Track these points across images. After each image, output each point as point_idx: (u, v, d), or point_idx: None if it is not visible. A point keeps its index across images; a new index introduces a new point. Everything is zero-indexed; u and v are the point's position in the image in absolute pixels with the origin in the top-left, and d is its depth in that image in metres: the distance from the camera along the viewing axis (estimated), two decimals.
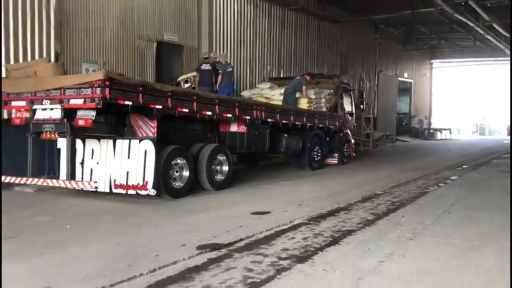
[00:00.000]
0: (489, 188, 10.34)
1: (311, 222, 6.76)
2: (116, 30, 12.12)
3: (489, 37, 23.93)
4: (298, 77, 14.23)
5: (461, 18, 19.45)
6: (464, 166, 14.62)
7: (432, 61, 36.07)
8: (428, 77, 35.99)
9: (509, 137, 34.05)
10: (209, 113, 9.49)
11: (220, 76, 12.65)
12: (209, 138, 10.40)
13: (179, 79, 12.94)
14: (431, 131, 33.26)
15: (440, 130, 33.49)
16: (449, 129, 34.19)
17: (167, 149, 8.54)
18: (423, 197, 9.04)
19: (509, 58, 30.60)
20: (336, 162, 14.45)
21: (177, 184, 8.76)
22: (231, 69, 13.01)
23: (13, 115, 8.70)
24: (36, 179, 8.36)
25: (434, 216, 7.26)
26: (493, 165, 15.29)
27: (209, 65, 12.83)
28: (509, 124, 34.53)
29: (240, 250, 5.35)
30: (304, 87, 13.72)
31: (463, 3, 17.78)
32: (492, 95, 41.17)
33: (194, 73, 12.92)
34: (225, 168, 9.82)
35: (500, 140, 30.55)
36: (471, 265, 4.90)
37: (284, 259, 5.01)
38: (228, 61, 13.62)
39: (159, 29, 13.32)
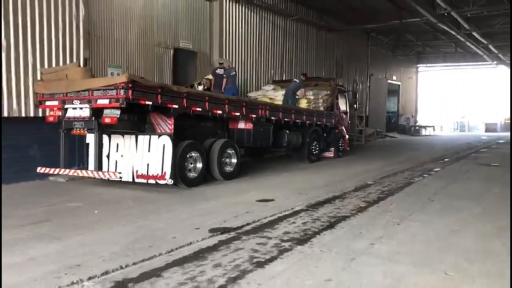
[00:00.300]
0: (468, 179, 10.30)
1: (310, 209, 6.77)
2: (137, 38, 12.12)
3: (469, 44, 23.77)
4: (297, 80, 14.16)
5: (444, 27, 19.34)
6: (446, 159, 14.56)
7: (418, 65, 35.84)
8: (414, 79, 35.78)
9: (486, 133, 33.89)
10: (219, 112, 9.50)
11: (225, 80, 12.62)
12: (219, 134, 10.41)
13: (196, 83, 12.92)
14: (417, 128, 33.10)
15: (424, 127, 33.32)
16: (433, 126, 34.02)
17: (182, 143, 8.56)
18: (409, 186, 9.03)
19: (488, 63, 30.47)
20: (332, 155, 14.43)
21: (191, 174, 8.78)
22: (234, 73, 12.93)
23: (47, 114, 8.73)
24: (67, 170, 8.42)
25: (419, 204, 7.25)
26: (472, 158, 15.21)
27: (222, 70, 12.81)
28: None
29: (247, 233, 5.38)
30: (303, 89, 13.70)
31: (446, 14, 17.65)
32: (471, 95, 40.99)
33: (211, 76, 12.92)
34: (234, 160, 9.83)
35: (478, 136, 30.37)
36: (452, 246, 4.91)
37: (286, 241, 5.03)
38: (232, 66, 13.53)
39: (176, 37, 13.31)
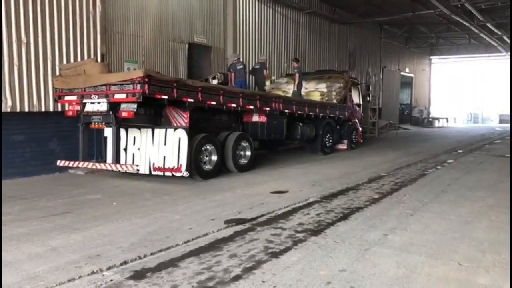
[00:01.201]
0: (482, 170, 10.17)
1: (324, 200, 6.76)
2: (153, 34, 12.15)
3: (483, 35, 23.36)
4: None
5: (457, 18, 19.02)
6: (459, 151, 14.39)
7: (431, 57, 35.38)
8: (427, 71, 35.35)
9: (500, 125, 33.37)
10: (233, 105, 9.51)
11: (233, 73, 12.58)
12: (234, 127, 10.43)
13: (210, 77, 12.87)
14: (430, 119, 32.73)
15: (438, 119, 32.94)
16: (446, 118, 33.61)
17: (198, 136, 8.60)
18: (422, 178, 8.95)
19: (502, 54, 29.92)
20: (345, 147, 14.36)
21: (206, 167, 8.82)
22: (241, 66, 12.84)
23: (66, 108, 8.82)
24: (86, 163, 8.51)
25: (432, 195, 7.19)
26: (485, 149, 15.02)
27: (241, 64, 12.79)
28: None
29: (261, 224, 5.39)
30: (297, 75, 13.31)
31: (459, 5, 17.36)
32: (485, 87, 40.36)
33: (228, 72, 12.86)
34: (248, 153, 9.84)
35: (492, 128, 29.95)
36: (465, 237, 4.86)
37: (300, 232, 5.03)
38: (240, 59, 13.30)
39: (190, 32, 13.31)
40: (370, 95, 19.42)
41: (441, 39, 29.97)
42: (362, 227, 5.25)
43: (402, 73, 29.75)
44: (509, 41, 25.29)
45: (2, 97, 8.46)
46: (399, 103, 29.52)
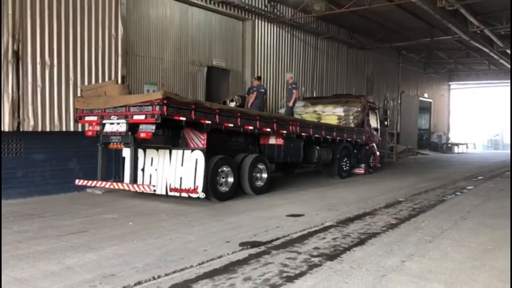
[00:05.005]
0: (503, 197, 9.93)
1: (340, 225, 6.68)
2: (172, 57, 12.37)
3: (502, 61, 23.18)
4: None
5: (476, 44, 18.94)
6: (479, 177, 14.13)
7: (450, 83, 35.14)
8: (446, 97, 35.08)
9: None
10: (251, 127, 9.54)
11: (252, 96, 12.69)
12: (250, 149, 10.45)
13: (228, 99, 12.90)
14: (449, 145, 32.31)
15: (457, 144, 32.50)
16: (466, 144, 33.15)
17: (214, 158, 8.62)
18: (441, 204, 8.79)
19: None
20: (363, 172, 14.24)
21: (223, 188, 8.81)
22: (262, 90, 12.88)
23: (86, 128, 8.95)
24: (104, 182, 8.57)
25: (451, 222, 7.04)
26: (506, 176, 14.70)
27: (262, 88, 12.88)
28: None
29: (277, 247, 5.34)
30: (294, 91, 13.35)
31: (478, 32, 17.31)
32: (505, 113, 39.79)
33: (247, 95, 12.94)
34: (264, 175, 9.82)
35: None
36: (486, 266, 4.73)
37: (316, 256, 4.96)
38: (258, 81, 13.31)
39: (209, 56, 13.51)
40: (388, 119, 19.30)
41: (460, 65, 29.80)
42: (379, 253, 5.15)
43: (420, 98, 29.57)
44: None
45: (25, 117, 8.64)
46: (418, 128, 29.26)
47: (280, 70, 16.02)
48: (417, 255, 5.09)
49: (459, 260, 4.92)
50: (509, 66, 24.44)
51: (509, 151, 34.27)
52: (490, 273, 4.50)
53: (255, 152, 10.33)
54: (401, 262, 4.80)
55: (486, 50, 20.09)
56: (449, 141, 33.65)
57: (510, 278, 3.67)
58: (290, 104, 13.35)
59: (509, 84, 32.34)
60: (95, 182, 8.61)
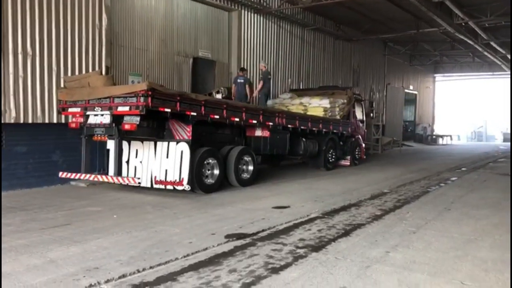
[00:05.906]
0: (486, 188, 10.09)
1: (325, 216, 6.72)
2: (158, 47, 12.25)
3: (486, 53, 23.41)
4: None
5: (461, 37, 19.10)
6: (463, 169, 14.31)
7: (435, 75, 35.44)
8: (431, 89, 35.39)
9: (504, 143, 33.25)
10: (237, 119, 9.51)
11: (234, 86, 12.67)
12: (236, 141, 10.43)
13: (214, 91, 12.86)
14: (434, 137, 32.69)
15: (441, 136, 32.88)
16: (450, 136, 33.54)
17: (200, 150, 8.59)
18: (425, 195, 8.89)
19: (506, 73, 29.94)
20: (348, 163, 14.32)
21: (208, 181, 8.79)
22: (242, 80, 12.83)
23: (70, 120, 8.84)
24: (88, 175, 8.50)
25: (435, 213, 7.13)
26: (489, 168, 14.93)
27: (242, 78, 12.83)
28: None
29: (262, 239, 5.35)
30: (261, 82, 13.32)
31: (463, 24, 17.45)
32: (489, 105, 40.37)
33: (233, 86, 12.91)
34: (251, 167, 9.82)
35: (496, 146, 29.85)
36: (468, 256, 4.80)
37: (301, 248, 4.99)
38: (243, 72, 13.29)
39: (195, 47, 13.42)
40: (374, 111, 19.43)
41: (445, 57, 30.08)
42: (363, 244, 5.20)
43: (406, 90, 29.79)
44: None
45: (6, 108, 8.51)
46: (403, 120, 29.51)
47: (267, 62, 15.97)
48: (401, 245, 5.15)
49: (442, 250, 4.98)
50: (493, 59, 24.73)
51: (492, 142, 34.90)
52: (472, 263, 4.57)
53: (241, 144, 10.32)
54: (386, 252, 4.85)
55: (471, 42, 20.26)
56: (434, 133, 34.02)
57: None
58: (254, 94, 13.19)
59: (493, 76, 32.89)
60: (79, 174, 8.53)
